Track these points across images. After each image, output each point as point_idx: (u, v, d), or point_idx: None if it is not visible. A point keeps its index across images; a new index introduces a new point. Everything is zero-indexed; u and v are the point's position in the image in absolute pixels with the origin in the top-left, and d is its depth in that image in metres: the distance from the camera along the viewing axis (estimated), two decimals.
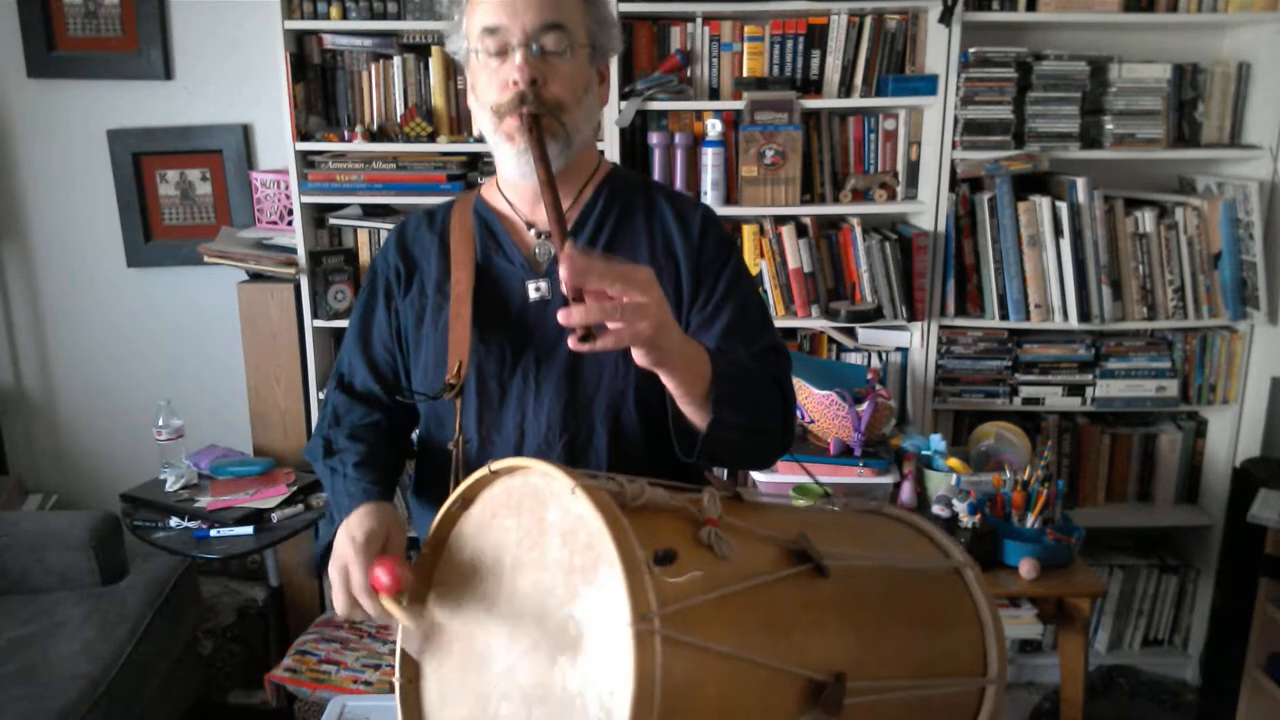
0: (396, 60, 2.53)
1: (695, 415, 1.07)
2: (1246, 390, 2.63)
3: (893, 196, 2.59)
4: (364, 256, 2.61)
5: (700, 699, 0.79)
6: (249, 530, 2.29)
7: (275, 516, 2.35)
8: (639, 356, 0.97)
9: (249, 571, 2.86)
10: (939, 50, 2.45)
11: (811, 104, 2.50)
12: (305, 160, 2.52)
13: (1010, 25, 2.51)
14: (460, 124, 2.58)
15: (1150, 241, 2.54)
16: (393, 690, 1.01)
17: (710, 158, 2.48)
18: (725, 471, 1.61)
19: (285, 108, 2.46)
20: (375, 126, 2.55)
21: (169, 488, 2.47)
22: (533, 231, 1.26)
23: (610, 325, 0.91)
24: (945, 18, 2.40)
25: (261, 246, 2.62)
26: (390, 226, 2.51)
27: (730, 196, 2.53)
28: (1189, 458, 2.74)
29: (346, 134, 2.50)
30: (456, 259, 1.26)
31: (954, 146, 2.49)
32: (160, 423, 2.50)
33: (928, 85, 2.47)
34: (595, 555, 0.80)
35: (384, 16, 2.46)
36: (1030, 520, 2.08)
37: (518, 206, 1.27)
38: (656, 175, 2.51)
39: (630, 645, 0.74)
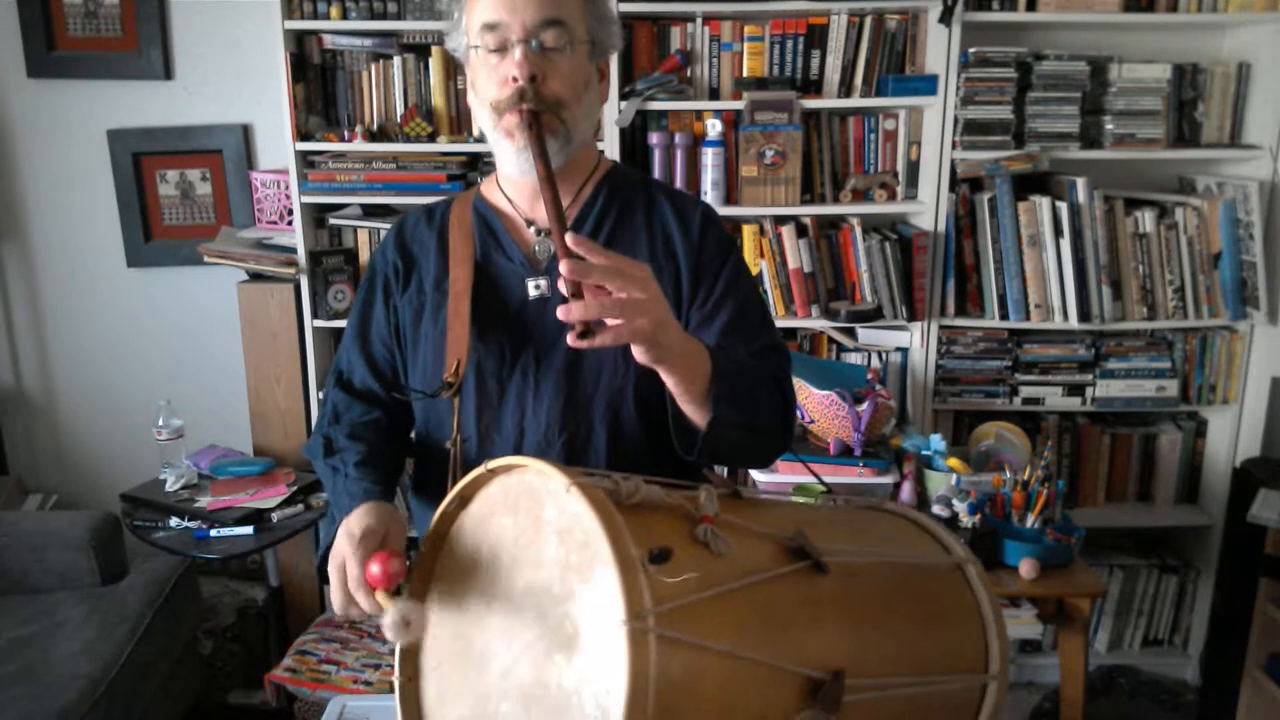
0: (396, 60, 2.53)
1: (695, 413, 1.07)
2: (1246, 390, 2.63)
3: (893, 196, 2.59)
4: (364, 256, 2.61)
5: (697, 697, 0.78)
6: (249, 530, 2.30)
7: (275, 516, 2.35)
8: (638, 353, 0.97)
9: (249, 571, 2.86)
10: (939, 50, 2.45)
11: (811, 104, 2.50)
12: (305, 160, 2.52)
13: (1010, 25, 2.51)
14: (460, 124, 2.58)
15: (1150, 241, 2.54)
16: (392, 690, 1.01)
17: (710, 158, 2.48)
18: (725, 470, 1.61)
19: (285, 108, 2.46)
20: (375, 126, 2.55)
21: (169, 488, 2.47)
22: (532, 229, 1.25)
23: (609, 321, 0.90)
24: (945, 18, 2.40)
25: (261, 246, 2.62)
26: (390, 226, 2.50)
27: (730, 196, 2.53)
28: (1189, 458, 2.74)
29: (346, 134, 2.50)
30: (455, 256, 1.25)
31: (954, 146, 2.49)
32: (160, 423, 2.50)
33: (928, 85, 2.46)
34: (591, 553, 0.80)
35: (384, 16, 2.46)
36: (1030, 520, 2.07)
37: (517, 204, 1.26)
38: (656, 175, 2.51)
39: (624, 644, 0.73)
